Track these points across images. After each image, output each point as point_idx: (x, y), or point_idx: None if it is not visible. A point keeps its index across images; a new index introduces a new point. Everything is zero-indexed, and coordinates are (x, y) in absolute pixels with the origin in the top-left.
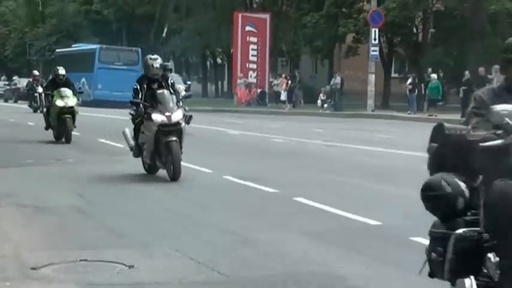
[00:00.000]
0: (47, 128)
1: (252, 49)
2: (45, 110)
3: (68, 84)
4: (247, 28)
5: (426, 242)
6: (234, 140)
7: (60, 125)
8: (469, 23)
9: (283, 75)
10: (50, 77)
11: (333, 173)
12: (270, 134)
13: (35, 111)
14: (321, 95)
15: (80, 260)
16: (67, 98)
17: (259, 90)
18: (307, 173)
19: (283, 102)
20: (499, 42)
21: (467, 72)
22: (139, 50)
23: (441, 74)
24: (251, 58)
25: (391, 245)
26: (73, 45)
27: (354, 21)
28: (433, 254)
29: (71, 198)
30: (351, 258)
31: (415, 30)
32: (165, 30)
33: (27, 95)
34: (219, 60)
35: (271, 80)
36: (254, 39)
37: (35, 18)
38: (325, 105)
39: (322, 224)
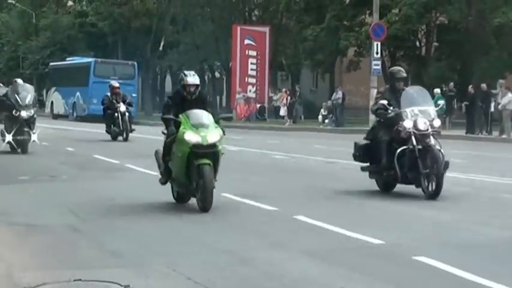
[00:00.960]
0: (164, 182)
1: (251, 63)
2: (160, 148)
3: (202, 101)
4: (246, 41)
5: (429, 261)
6: (233, 156)
7: (193, 177)
8: (473, 36)
9: (284, 90)
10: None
11: (334, 190)
12: (270, 150)
13: (114, 138)
14: (322, 110)
15: (74, 280)
16: (204, 129)
17: (258, 105)
18: (308, 191)
19: (283, 117)
20: (504, 56)
21: (470, 87)
22: (136, 63)
23: (448, 88)
24: (250, 72)
25: (394, 265)
26: (67, 59)
27: (355, 35)
28: None
29: (64, 216)
30: (353, 277)
31: (418, 43)
32: (162, 43)
33: (104, 115)
34: (217, 74)
35: (270, 94)
36: (253, 53)
37: (28, 30)
38: (326, 121)
39: (323, 243)
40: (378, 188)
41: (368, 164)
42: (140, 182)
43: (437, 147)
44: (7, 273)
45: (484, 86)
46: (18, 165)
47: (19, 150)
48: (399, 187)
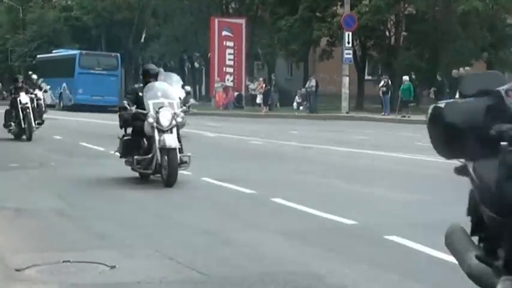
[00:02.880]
0: None
1: (229, 53)
2: None
3: None
4: (224, 33)
5: (400, 240)
6: (212, 143)
7: None
8: (440, 25)
9: (261, 79)
10: None
11: (310, 174)
12: (247, 137)
13: None
14: (297, 97)
15: (63, 261)
16: None
17: (236, 94)
18: (284, 174)
19: (259, 105)
20: (470, 45)
21: (438, 75)
22: (119, 55)
23: (413, 76)
24: (228, 62)
25: (366, 244)
26: (54, 51)
27: (327, 25)
28: None
29: (52, 200)
30: (328, 257)
31: (387, 33)
32: (144, 35)
33: None
34: (196, 65)
35: (247, 83)
36: (231, 44)
37: (16, 24)
38: (301, 108)
39: (299, 224)
40: (348, 173)
41: None
42: (124, 168)
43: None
44: None
45: (456, 72)
46: (8, 153)
47: None
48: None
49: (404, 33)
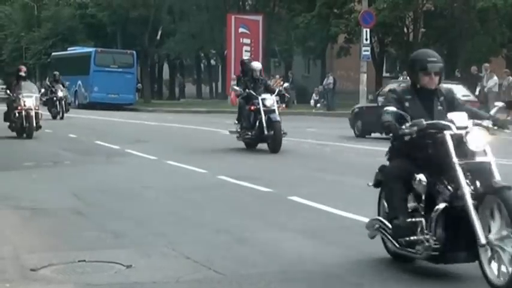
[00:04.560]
0: None
1: (245, 50)
2: None
3: None
4: (240, 30)
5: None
6: (228, 140)
7: None
8: (458, 22)
9: (277, 76)
10: None
11: (327, 171)
12: None
13: None
14: (314, 94)
15: (79, 261)
16: None
17: None
18: (301, 172)
19: (276, 102)
20: (488, 41)
21: (457, 71)
22: (134, 52)
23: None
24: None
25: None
26: (69, 49)
27: (345, 22)
28: None
29: (68, 199)
30: (346, 255)
31: (405, 30)
32: (159, 32)
33: None
34: (212, 62)
35: None
36: (247, 41)
37: (30, 22)
38: (318, 105)
39: (316, 222)
40: (365, 170)
41: None
42: (139, 166)
43: None
44: (14, 255)
45: (474, 68)
46: (23, 152)
47: None
48: None
49: (422, 30)
